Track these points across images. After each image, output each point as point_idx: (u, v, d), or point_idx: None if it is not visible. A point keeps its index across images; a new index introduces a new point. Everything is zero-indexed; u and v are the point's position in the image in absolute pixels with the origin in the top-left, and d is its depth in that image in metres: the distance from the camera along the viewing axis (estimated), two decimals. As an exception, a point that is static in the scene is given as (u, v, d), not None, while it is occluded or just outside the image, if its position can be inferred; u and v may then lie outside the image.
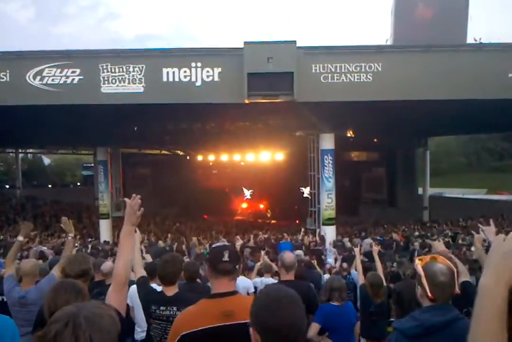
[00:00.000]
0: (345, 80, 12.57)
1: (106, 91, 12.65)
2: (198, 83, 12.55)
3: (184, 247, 12.16)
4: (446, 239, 12.46)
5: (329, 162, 15.44)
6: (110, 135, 19.19)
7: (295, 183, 21.03)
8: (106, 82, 12.60)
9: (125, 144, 24.32)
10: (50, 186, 40.86)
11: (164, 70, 12.55)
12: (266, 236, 17.69)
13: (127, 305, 3.22)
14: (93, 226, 22.80)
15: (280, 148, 24.73)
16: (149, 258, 5.78)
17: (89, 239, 17.78)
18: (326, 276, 7.01)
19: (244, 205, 33.51)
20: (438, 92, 12.53)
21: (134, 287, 3.73)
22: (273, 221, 30.87)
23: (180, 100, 12.91)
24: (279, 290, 1.49)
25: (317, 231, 15.14)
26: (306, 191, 16.92)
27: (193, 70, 12.53)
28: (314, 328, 3.91)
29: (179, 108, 14.28)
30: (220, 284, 2.21)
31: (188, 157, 32.91)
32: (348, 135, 20.32)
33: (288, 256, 3.96)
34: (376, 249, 6.07)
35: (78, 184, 44.64)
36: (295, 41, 12.72)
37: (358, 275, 5.70)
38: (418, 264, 2.19)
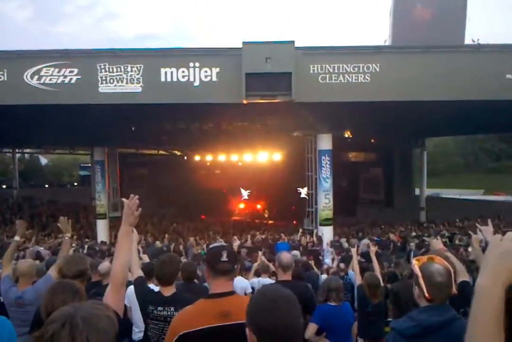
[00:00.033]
0: (343, 81, 12.58)
1: (104, 91, 12.63)
2: (196, 83, 12.53)
3: (181, 247, 12.14)
4: (443, 240, 12.48)
5: (326, 162, 15.45)
6: (108, 135, 19.16)
7: (292, 183, 21.04)
8: (104, 82, 12.58)
9: (123, 144, 24.32)
10: (47, 186, 40.79)
11: (162, 70, 12.53)
12: (263, 236, 17.69)
13: (125, 305, 3.22)
14: (90, 226, 22.75)
15: (277, 149, 24.73)
16: (146, 259, 5.77)
17: (86, 240, 17.74)
18: (324, 276, 7.01)
19: (242, 205, 33.52)
20: (436, 93, 12.55)
21: (131, 288, 3.72)
22: (270, 221, 30.87)
23: (178, 100, 12.90)
24: (276, 291, 1.48)
25: (315, 231, 15.15)
26: (303, 191, 16.93)
27: (191, 70, 12.52)
28: (312, 328, 3.91)
29: (177, 108, 14.26)
30: (218, 284, 2.21)
31: (185, 158, 32.88)
32: (346, 135, 20.33)
33: (285, 256, 3.96)
34: (373, 249, 6.08)
35: (75, 184, 44.58)
36: (293, 41, 12.72)
37: (355, 276, 5.71)
38: (415, 264, 2.19)
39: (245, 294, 5.31)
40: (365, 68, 12.53)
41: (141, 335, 4.20)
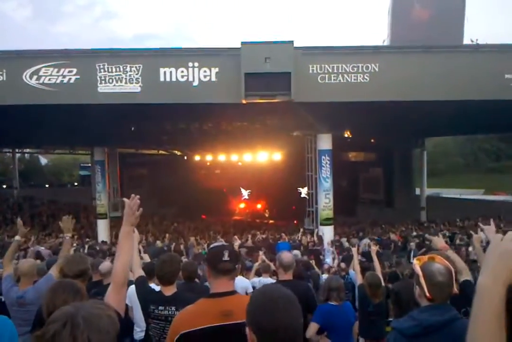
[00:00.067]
0: (342, 81, 12.58)
1: (103, 91, 12.63)
2: (195, 83, 12.54)
3: (182, 247, 12.15)
4: (444, 239, 12.47)
5: (326, 162, 15.46)
6: (107, 135, 19.16)
7: (292, 183, 21.04)
8: (103, 82, 12.58)
9: (122, 144, 24.31)
10: (47, 185, 40.79)
11: (161, 70, 12.53)
12: (264, 236, 17.69)
13: (126, 305, 3.22)
14: (90, 226, 22.76)
15: (277, 149, 24.73)
16: (147, 258, 5.77)
17: (87, 239, 17.75)
18: (325, 276, 7.02)
19: (242, 205, 33.53)
20: (435, 93, 12.56)
21: (132, 287, 3.72)
22: (271, 221, 30.89)
23: (177, 100, 12.90)
24: (276, 290, 1.47)
25: (315, 231, 15.16)
26: (303, 191, 16.94)
27: (190, 70, 12.52)
28: (313, 327, 3.91)
29: (176, 108, 14.26)
30: (220, 283, 2.22)
31: (185, 158, 32.88)
32: (346, 135, 20.34)
33: (286, 255, 3.96)
34: (374, 249, 6.09)
35: (75, 183, 44.57)
36: (293, 41, 12.73)
37: (356, 275, 5.71)
38: (416, 264, 2.19)
39: (246, 293, 5.31)
40: (364, 68, 12.54)
41: (142, 334, 4.20)
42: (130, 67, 12.56)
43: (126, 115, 15.61)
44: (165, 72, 12.53)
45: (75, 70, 12.49)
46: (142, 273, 3.57)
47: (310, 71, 12.58)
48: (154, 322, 3.08)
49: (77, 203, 29.33)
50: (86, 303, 1.28)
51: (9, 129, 18.48)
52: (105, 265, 4.56)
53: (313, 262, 8.61)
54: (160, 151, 32.68)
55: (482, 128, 25.02)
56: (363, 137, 23.66)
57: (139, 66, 12.56)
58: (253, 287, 5.70)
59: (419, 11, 18.26)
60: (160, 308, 3.05)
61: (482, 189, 41.50)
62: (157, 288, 3.40)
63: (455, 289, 2.13)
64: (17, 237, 4.20)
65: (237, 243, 9.55)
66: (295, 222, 24.77)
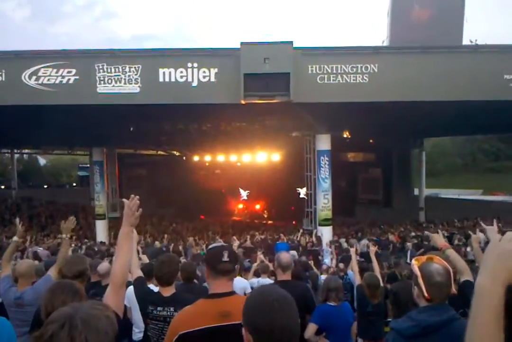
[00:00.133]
0: (341, 81, 12.59)
1: (102, 92, 12.62)
2: (195, 83, 12.54)
3: (180, 247, 12.15)
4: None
5: (325, 163, 15.47)
6: (106, 136, 19.14)
7: (291, 183, 21.06)
8: (102, 82, 12.57)
9: (121, 145, 24.30)
10: (45, 186, 40.77)
11: (160, 71, 12.53)
12: (262, 236, 17.69)
13: (125, 305, 3.22)
14: (89, 226, 22.74)
15: (276, 149, 24.74)
16: (145, 259, 5.77)
17: (85, 240, 17.73)
18: (323, 277, 7.02)
19: (241, 206, 33.53)
20: (434, 94, 12.57)
21: (131, 288, 3.72)
22: (269, 222, 30.88)
23: (176, 101, 12.90)
24: (272, 291, 1.46)
25: (314, 231, 15.16)
26: (302, 192, 16.95)
27: (189, 70, 12.52)
28: (312, 328, 3.91)
29: (175, 108, 14.26)
30: (219, 284, 2.21)
31: (184, 158, 32.87)
32: (345, 136, 20.35)
33: (285, 256, 3.96)
34: (373, 249, 6.08)
35: (74, 184, 44.59)
36: (292, 42, 12.73)
37: (354, 276, 5.71)
38: (415, 264, 2.20)
39: (245, 294, 5.31)
40: (363, 69, 12.55)
41: (141, 335, 4.19)
42: (129, 67, 12.56)
43: (125, 116, 15.60)
44: (164, 73, 12.53)
45: (74, 71, 12.48)
46: (140, 273, 3.57)
47: (309, 72, 12.58)
48: (153, 323, 3.07)
49: (75, 204, 29.31)
50: (85, 303, 1.28)
51: (8, 130, 18.47)
52: (104, 265, 4.56)
53: (311, 263, 8.61)
54: (159, 152, 32.67)
55: (481, 129, 25.04)
56: (362, 138, 23.68)
57: (138, 67, 12.56)
58: (252, 288, 5.70)
59: (418, 11, 18.29)
60: (159, 308, 3.05)
61: (480, 189, 41.57)
62: (156, 288, 3.39)
63: (454, 290, 2.13)
64: (15, 238, 4.20)
65: (235, 243, 9.55)
66: (293, 222, 24.77)
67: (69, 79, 12.48)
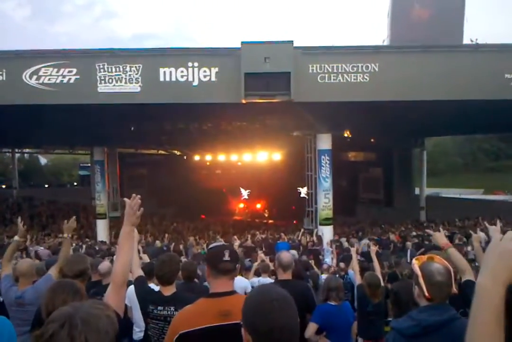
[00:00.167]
0: (342, 81, 12.58)
1: (103, 91, 12.62)
2: (195, 83, 12.54)
3: (181, 247, 12.16)
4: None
5: (326, 162, 15.46)
6: (107, 135, 19.16)
7: (292, 183, 21.05)
8: (103, 81, 12.58)
9: (122, 144, 24.31)
10: (46, 185, 40.79)
11: (161, 70, 12.53)
12: (263, 236, 17.69)
13: (125, 305, 3.22)
14: (90, 226, 22.76)
15: (277, 149, 24.74)
16: (146, 258, 5.77)
17: (86, 239, 17.75)
18: (324, 276, 7.02)
19: (242, 205, 33.54)
20: (435, 93, 12.56)
21: (132, 287, 3.72)
22: (270, 221, 30.90)
23: (177, 100, 12.90)
24: (271, 291, 1.45)
25: (315, 231, 15.16)
26: (303, 191, 16.94)
27: (190, 70, 12.52)
28: (312, 327, 3.91)
29: (176, 108, 14.26)
30: (219, 283, 2.21)
31: (185, 157, 32.88)
32: (345, 135, 20.33)
33: (285, 255, 3.95)
34: (374, 249, 6.09)
35: (75, 183, 44.59)
36: (292, 41, 12.72)
37: (354, 275, 5.71)
38: (415, 263, 2.19)
39: (245, 293, 5.31)
40: (364, 68, 12.54)
41: (141, 334, 4.20)
42: (130, 67, 12.56)
43: (126, 115, 15.61)
44: (164, 72, 12.53)
45: (74, 70, 12.49)
46: (141, 273, 3.57)
47: (310, 71, 12.57)
48: (153, 322, 3.07)
49: (76, 203, 29.32)
50: (85, 303, 1.28)
51: (9, 129, 18.48)
52: (105, 265, 4.56)
53: (312, 262, 8.61)
54: (160, 151, 32.67)
55: (481, 128, 25.02)
56: (362, 137, 23.65)
57: (139, 66, 12.56)
58: (252, 287, 5.70)
59: (419, 11, 18.29)
60: (159, 308, 3.05)
61: (481, 188, 41.54)
62: (157, 288, 3.39)
63: (454, 289, 2.13)
64: (16, 237, 4.20)
65: (236, 243, 9.55)
66: (294, 221, 24.78)
67: (69, 78, 12.49)
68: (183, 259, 9.04)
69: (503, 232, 1.20)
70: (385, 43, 18.37)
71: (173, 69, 12.51)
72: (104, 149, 20.56)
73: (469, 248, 9.51)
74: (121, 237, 2.24)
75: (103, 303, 1.42)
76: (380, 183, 28.78)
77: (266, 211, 33.22)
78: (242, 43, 12.54)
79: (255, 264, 6.98)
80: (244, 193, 30.48)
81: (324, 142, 15.48)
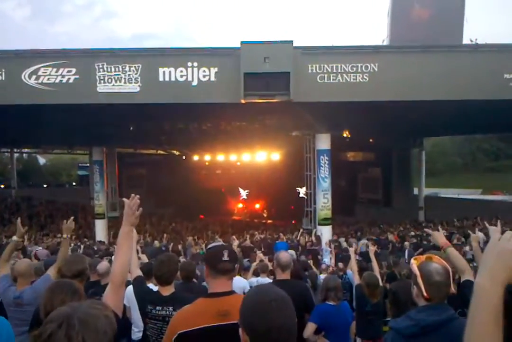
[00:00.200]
0: (341, 81, 12.59)
1: (102, 91, 12.62)
2: (195, 83, 12.54)
3: (180, 247, 12.15)
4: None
5: (325, 162, 15.47)
6: (106, 135, 19.13)
7: (291, 183, 21.05)
8: (102, 81, 12.57)
9: (121, 144, 24.29)
10: (45, 185, 40.74)
11: (161, 70, 12.53)
12: (262, 236, 17.69)
13: (124, 305, 3.22)
14: (88, 226, 22.73)
15: (276, 149, 24.74)
16: (144, 258, 5.77)
17: (85, 239, 17.73)
18: (323, 276, 7.02)
19: (240, 205, 33.52)
20: (434, 93, 12.57)
21: (130, 287, 3.72)
22: (269, 221, 30.89)
23: (176, 100, 12.89)
24: (269, 291, 1.45)
25: (313, 231, 15.16)
26: (302, 191, 16.94)
27: (189, 70, 12.51)
28: (311, 327, 3.91)
29: (175, 108, 14.26)
30: (218, 283, 2.21)
31: (184, 157, 32.86)
32: (344, 135, 20.34)
33: (284, 255, 3.95)
34: (372, 249, 6.09)
35: (74, 183, 44.55)
36: (292, 41, 12.72)
37: (353, 275, 5.72)
38: (414, 263, 2.19)
39: (244, 293, 5.31)
40: (363, 68, 12.55)
41: (140, 334, 4.19)
42: (129, 67, 12.55)
43: (125, 115, 15.60)
44: (164, 72, 12.53)
45: (74, 70, 12.48)
46: (140, 273, 3.57)
47: (309, 71, 12.58)
48: (152, 322, 3.07)
49: (75, 203, 29.30)
50: (84, 303, 1.28)
51: (8, 129, 18.47)
52: (103, 265, 4.56)
53: (311, 262, 8.61)
54: (159, 151, 32.65)
55: (481, 128, 25.05)
56: (361, 137, 23.67)
57: (138, 66, 12.55)
58: (251, 287, 5.70)
59: (418, 11, 18.30)
60: (158, 308, 3.05)
61: (480, 188, 41.58)
62: (155, 288, 3.39)
63: (453, 289, 2.13)
64: (14, 237, 4.19)
65: (235, 243, 9.56)
66: (293, 221, 24.78)
67: (69, 78, 12.48)
68: (182, 259, 9.05)
69: (502, 232, 1.20)
70: (385, 43, 18.37)
71: (172, 69, 12.51)
72: (103, 149, 20.54)
73: (467, 248, 9.52)
74: (120, 237, 2.24)
75: (102, 303, 1.42)
76: (379, 183, 28.79)
77: (265, 211, 33.22)
78: (242, 43, 12.54)
79: (254, 264, 6.98)
80: (243, 193, 30.47)
81: (323, 142, 15.48)
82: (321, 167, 15.48)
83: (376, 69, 12.55)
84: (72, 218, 4.06)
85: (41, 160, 54.27)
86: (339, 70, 12.56)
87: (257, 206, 33.60)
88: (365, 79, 12.55)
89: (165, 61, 12.73)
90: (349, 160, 30.04)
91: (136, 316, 4.22)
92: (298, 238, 14.19)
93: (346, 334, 4.36)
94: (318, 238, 14.00)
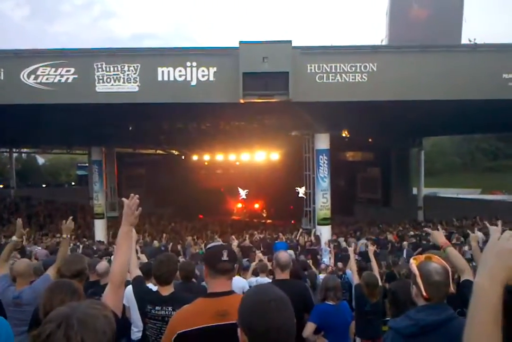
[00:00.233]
0: (340, 80, 12.59)
1: (101, 90, 12.61)
2: (193, 82, 12.53)
3: (179, 246, 12.14)
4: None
5: (324, 162, 15.47)
6: (105, 135, 19.12)
7: (290, 182, 21.03)
8: (101, 81, 12.56)
9: (120, 144, 24.26)
10: (44, 185, 40.68)
11: (159, 70, 12.52)
12: (261, 235, 17.69)
13: (123, 305, 3.21)
14: (88, 226, 22.71)
15: (275, 148, 24.73)
16: (144, 258, 5.77)
17: (84, 239, 17.71)
18: (322, 276, 7.02)
19: (240, 205, 33.50)
20: (433, 93, 12.58)
21: (130, 287, 3.72)
22: (268, 221, 30.88)
23: (175, 100, 12.88)
24: (268, 291, 1.44)
25: (313, 230, 15.16)
26: (301, 191, 16.93)
27: (188, 69, 12.51)
28: (310, 327, 3.91)
29: (174, 107, 14.24)
30: (218, 283, 2.21)
31: (183, 157, 32.84)
32: (343, 135, 20.34)
33: (283, 255, 3.95)
34: (372, 248, 6.09)
35: (73, 183, 44.51)
36: (291, 41, 12.73)
37: (352, 275, 5.72)
38: (413, 263, 2.19)
39: (243, 293, 5.30)
40: (362, 68, 12.55)
41: (139, 334, 4.19)
42: (128, 66, 12.54)
43: (124, 115, 15.59)
44: (163, 72, 12.52)
45: (73, 70, 12.46)
46: (139, 273, 3.57)
47: (308, 71, 12.58)
48: (151, 322, 3.07)
49: (74, 203, 29.27)
50: (83, 303, 1.28)
51: (7, 129, 18.44)
52: (102, 265, 4.55)
53: (310, 262, 8.62)
54: (158, 151, 32.62)
55: (480, 128, 25.07)
56: (360, 137, 23.67)
57: (137, 66, 12.54)
58: (250, 287, 5.69)
59: (417, 10, 18.30)
60: (157, 308, 3.05)
61: (479, 188, 41.61)
62: (154, 288, 3.39)
63: (452, 289, 2.13)
64: (14, 238, 4.18)
65: (234, 242, 9.55)
66: (292, 221, 24.77)
67: (67, 78, 12.47)
68: (181, 259, 9.04)
69: (502, 232, 1.20)
70: (384, 43, 18.37)
71: (171, 69, 12.50)
72: (102, 149, 20.51)
73: (466, 248, 9.52)
74: (119, 236, 2.24)
75: (101, 303, 1.42)
76: (378, 183, 28.78)
77: (264, 210, 33.20)
78: (240, 43, 12.54)
79: (253, 264, 6.98)
80: (242, 193, 30.40)
81: (322, 142, 15.49)
82: (320, 167, 15.49)
83: (375, 69, 12.56)
84: (71, 217, 4.06)
85: (40, 160, 54.22)
86: (338, 70, 12.56)
87: (257, 205, 33.58)
88: (364, 79, 12.56)
89: (164, 61, 12.72)
90: (348, 160, 30.03)
91: (135, 316, 4.22)
92: (297, 238, 14.19)
93: (345, 334, 4.36)
94: (317, 238, 14.00)
